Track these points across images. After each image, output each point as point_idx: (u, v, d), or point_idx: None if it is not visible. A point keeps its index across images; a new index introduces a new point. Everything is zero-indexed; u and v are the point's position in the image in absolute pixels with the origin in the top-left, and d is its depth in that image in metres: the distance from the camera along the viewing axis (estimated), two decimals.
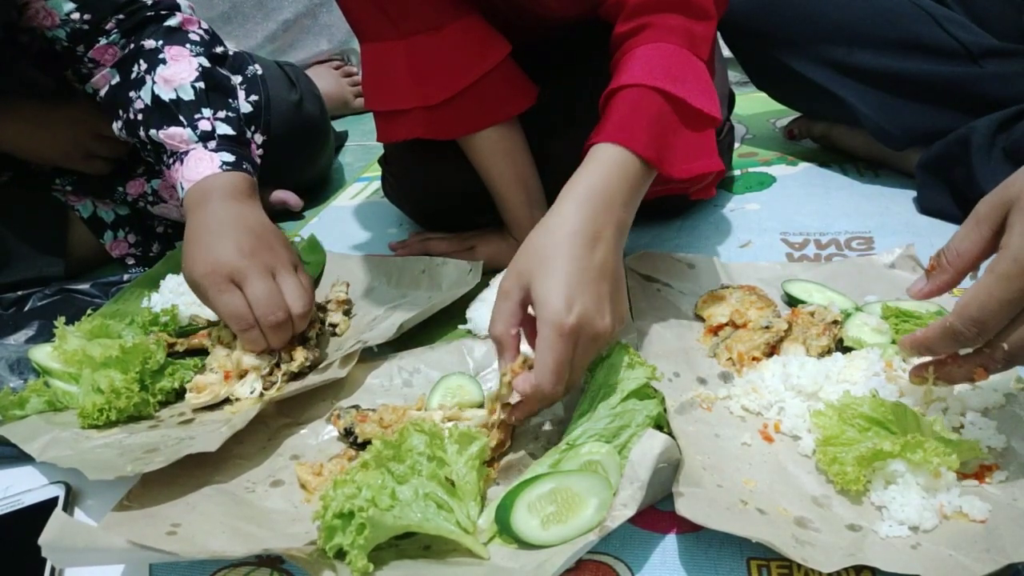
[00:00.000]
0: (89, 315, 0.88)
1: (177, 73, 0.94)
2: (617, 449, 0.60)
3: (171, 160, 0.91)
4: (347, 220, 1.32)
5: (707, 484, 0.56)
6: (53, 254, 1.15)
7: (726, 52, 1.22)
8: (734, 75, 1.44)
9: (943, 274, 0.54)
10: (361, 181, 1.52)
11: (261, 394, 0.77)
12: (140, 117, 0.94)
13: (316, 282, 1.04)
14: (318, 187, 1.49)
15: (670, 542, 0.57)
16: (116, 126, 1.00)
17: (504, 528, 0.55)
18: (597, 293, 0.61)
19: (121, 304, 1.00)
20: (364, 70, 0.92)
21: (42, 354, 0.83)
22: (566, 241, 0.62)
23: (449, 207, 1.08)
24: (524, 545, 0.55)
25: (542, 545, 0.54)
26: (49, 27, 1.00)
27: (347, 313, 0.93)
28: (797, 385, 0.65)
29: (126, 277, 1.09)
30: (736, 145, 1.30)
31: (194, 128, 0.90)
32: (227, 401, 0.78)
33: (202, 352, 0.85)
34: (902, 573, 0.49)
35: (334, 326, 0.91)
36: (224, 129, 0.92)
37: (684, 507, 0.52)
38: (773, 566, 0.54)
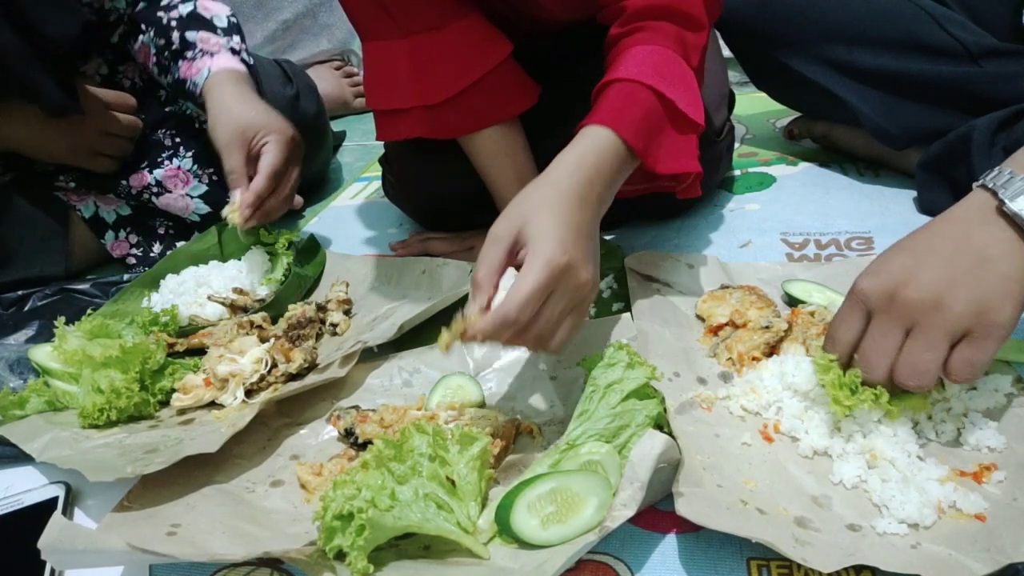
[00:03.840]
0: (89, 315, 0.88)
1: (214, 5, 1.16)
2: (617, 449, 0.60)
3: (199, 55, 1.10)
4: (347, 220, 1.32)
5: (707, 484, 0.56)
6: (54, 254, 1.16)
7: (726, 52, 1.22)
8: (734, 75, 1.44)
9: None
10: (361, 181, 1.52)
11: (244, 401, 0.77)
12: (175, 23, 1.13)
13: (316, 282, 1.05)
14: (318, 187, 1.49)
15: (670, 542, 0.57)
16: (140, 39, 1.17)
17: (504, 528, 0.55)
18: (584, 247, 0.64)
19: (121, 304, 1.00)
20: (365, 69, 0.92)
21: (42, 354, 0.83)
22: (560, 198, 0.65)
23: (449, 207, 1.08)
24: (524, 545, 0.55)
25: (542, 545, 0.54)
26: None
27: (347, 313, 0.93)
28: (793, 384, 0.65)
29: (126, 277, 1.09)
30: (736, 145, 1.30)
31: (228, 40, 1.12)
32: (214, 405, 0.78)
33: (202, 352, 0.85)
34: (902, 573, 0.49)
35: (334, 326, 0.91)
36: (246, 56, 1.14)
37: (684, 507, 0.52)
38: (773, 566, 0.54)
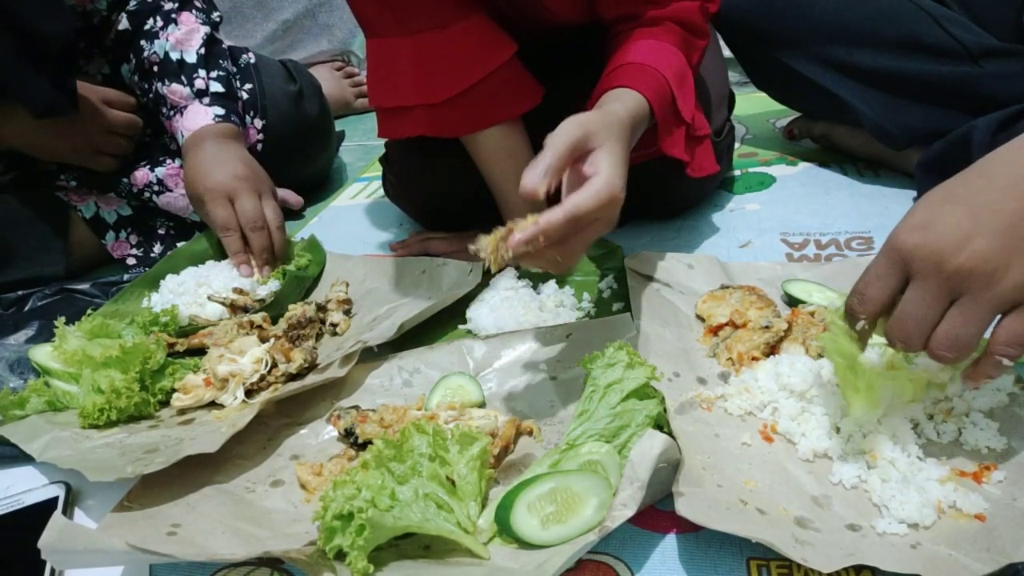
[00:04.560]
0: (89, 315, 0.88)
1: (187, 38, 1.18)
2: (617, 449, 0.60)
3: (171, 112, 1.15)
4: (347, 220, 1.32)
5: (707, 484, 0.56)
6: (54, 254, 1.16)
7: (726, 52, 1.22)
8: (734, 75, 1.44)
9: None
10: (361, 181, 1.52)
11: (244, 401, 0.77)
12: (156, 69, 1.16)
13: (316, 282, 1.05)
14: (318, 187, 1.49)
15: (670, 542, 0.57)
16: (126, 68, 1.22)
17: (504, 528, 0.55)
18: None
19: (121, 304, 1.00)
20: (369, 66, 0.92)
21: (42, 354, 0.83)
22: (621, 136, 0.71)
23: (450, 207, 1.08)
24: (524, 545, 0.55)
25: (542, 545, 0.54)
26: (92, 0, 1.16)
27: (347, 313, 0.93)
28: (789, 384, 0.65)
29: (126, 277, 1.09)
30: (736, 145, 1.30)
31: (191, 86, 1.15)
32: (214, 405, 0.78)
33: (202, 352, 0.85)
34: (902, 573, 0.49)
35: (334, 326, 0.91)
36: (216, 87, 1.17)
37: (684, 507, 0.52)
38: (773, 566, 0.54)
